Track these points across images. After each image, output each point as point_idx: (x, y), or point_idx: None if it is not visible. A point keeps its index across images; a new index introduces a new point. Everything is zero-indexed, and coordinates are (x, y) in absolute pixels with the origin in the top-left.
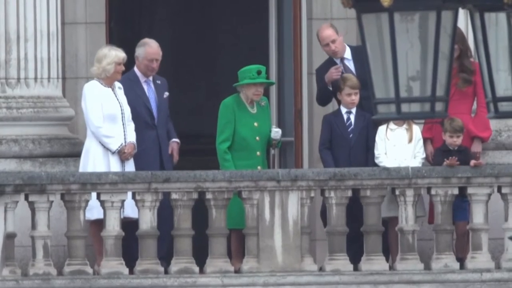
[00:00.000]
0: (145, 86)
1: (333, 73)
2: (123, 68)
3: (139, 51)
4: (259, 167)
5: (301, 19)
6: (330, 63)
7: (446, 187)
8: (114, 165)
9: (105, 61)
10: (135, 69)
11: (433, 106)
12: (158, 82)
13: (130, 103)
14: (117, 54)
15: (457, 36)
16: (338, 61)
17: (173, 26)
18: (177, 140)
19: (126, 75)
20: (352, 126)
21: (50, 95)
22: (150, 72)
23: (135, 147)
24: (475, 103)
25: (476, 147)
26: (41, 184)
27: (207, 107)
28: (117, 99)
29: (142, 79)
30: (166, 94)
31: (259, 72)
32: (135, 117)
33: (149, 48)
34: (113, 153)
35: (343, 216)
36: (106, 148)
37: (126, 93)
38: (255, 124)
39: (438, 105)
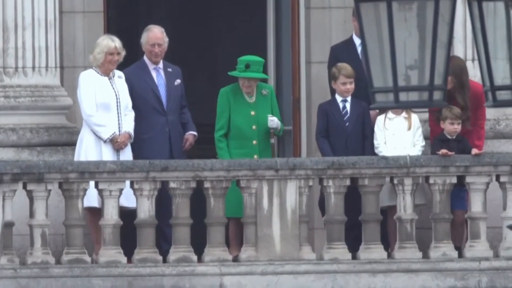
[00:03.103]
0: (153, 73)
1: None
2: (116, 57)
3: (142, 37)
4: (255, 156)
5: (299, 8)
6: (348, 43)
7: (444, 176)
8: (107, 154)
9: (96, 50)
10: (144, 57)
11: (431, 95)
12: (169, 70)
13: (138, 90)
14: (108, 43)
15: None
16: (358, 41)
17: (171, 16)
18: (194, 133)
19: (136, 63)
20: (348, 115)
21: (48, 84)
22: (154, 58)
23: (130, 137)
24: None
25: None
26: (39, 173)
27: (205, 97)
28: (113, 88)
29: (150, 66)
30: (178, 81)
31: (247, 66)
32: (144, 104)
33: (150, 33)
34: (104, 141)
35: (341, 205)
36: (98, 136)
37: (134, 81)
38: (252, 113)
39: (436, 93)
